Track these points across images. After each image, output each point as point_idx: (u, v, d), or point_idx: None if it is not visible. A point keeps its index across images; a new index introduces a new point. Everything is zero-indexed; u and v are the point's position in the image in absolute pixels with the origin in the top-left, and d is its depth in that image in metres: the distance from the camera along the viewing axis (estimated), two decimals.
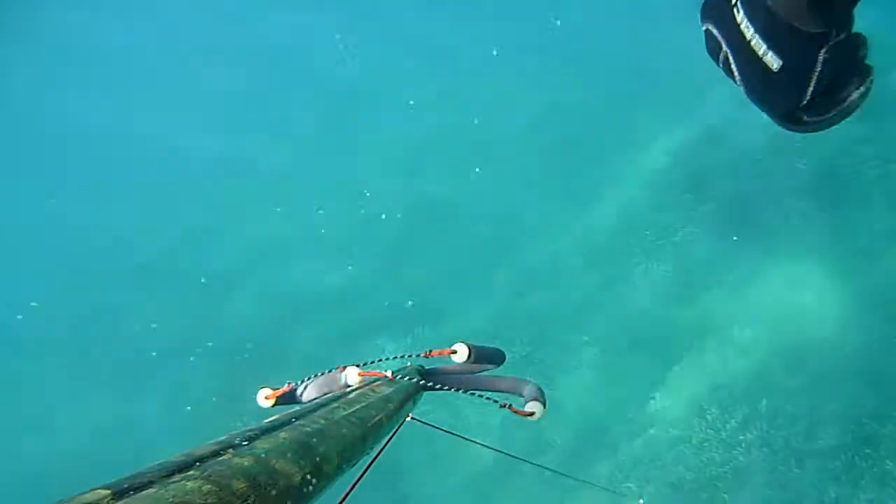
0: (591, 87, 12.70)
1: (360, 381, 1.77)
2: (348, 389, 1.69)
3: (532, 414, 1.90)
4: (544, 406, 1.92)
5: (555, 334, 9.78)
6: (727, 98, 10.39)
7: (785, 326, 8.42)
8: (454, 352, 1.93)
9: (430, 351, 1.95)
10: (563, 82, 13.12)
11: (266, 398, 1.87)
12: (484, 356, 1.99)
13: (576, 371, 9.34)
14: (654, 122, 11.41)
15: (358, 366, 1.80)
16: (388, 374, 1.78)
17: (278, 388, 1.88)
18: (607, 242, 10.51)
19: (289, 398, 1.90)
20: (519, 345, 9.57)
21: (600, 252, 10.44)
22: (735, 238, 9.45)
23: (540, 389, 1.99)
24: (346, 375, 1.80)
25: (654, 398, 8.67)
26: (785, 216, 9.17)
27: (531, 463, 2.03)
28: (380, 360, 1.85)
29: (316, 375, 1.89)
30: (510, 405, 1.92)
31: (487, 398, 1.94)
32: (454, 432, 1.87)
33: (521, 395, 1.98)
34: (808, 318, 8.32)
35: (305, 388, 1.88)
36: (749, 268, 9.12)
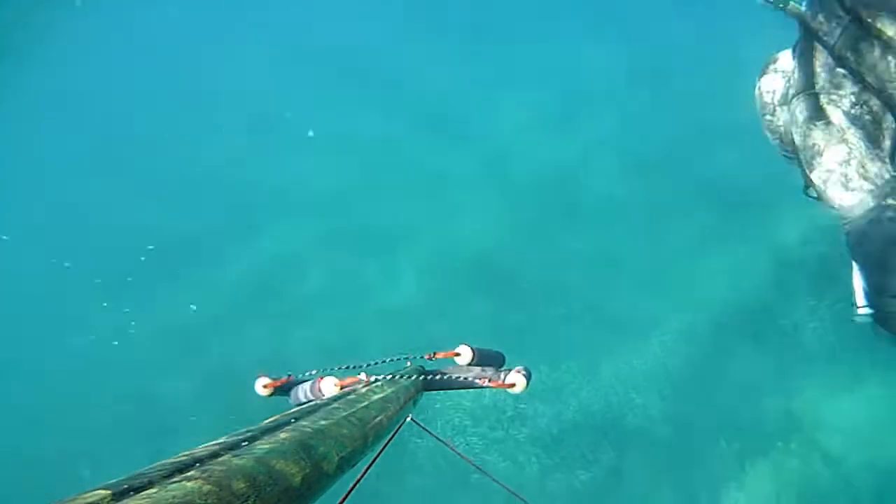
0: None
1: (339, 392, 1.77)
2: (347, 390, 1.70)
3: (513, 385, 1.92)
4: (527, 380, 1.95)
5: (636, 403, 8.91)
6: None
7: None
8: (458, 354, 1.96)
9: (435, 353, 1.98)
10: None
11: (264, 387, 1.89)
12: (485, 358, 2.02)
13: (650, 447, 8.47)
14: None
15: (335, 376, 1.82)
16: (363, 376, 1.78)
17: (277, 379, 1.90)
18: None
19: (286, 389, 1.91)
20: (599, 410, 8.86)
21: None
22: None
23: (526, 368, 2.02)
24: (324, 385, 1.81)
25: (728, 493, 7.85)
26: None
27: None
28: (383, 361, 1.85)
29: (310, 374, 1.90)
30: (489, 379, 1.96)
31: (479, 385, 1.96)
32: (447, 443, 1.89)
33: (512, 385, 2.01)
34: None
35: (299, 385, 1.89)
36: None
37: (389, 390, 1.66)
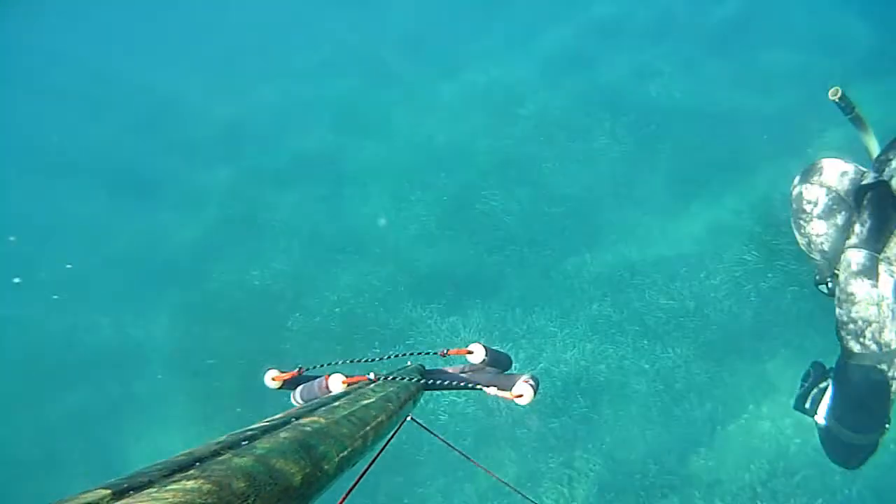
0: None
1: (342, 390, 1.77)
2: (348, 389, 1.69)
3: (520, 396, 1.93)
4: (534, 391, 1.95)
5: (612, 355, 8.72)
6: None
7: None
8: (470, 352, 1.97)
9: (447, 350, 1.99)
10: None
11: (273, 379, 1.88)
12: (495, 359, 2.03)
13: (623, 401, 8.33)
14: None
15: (342, 372, 1.81)
16: (371, 376, 1.78)
17: (287, 372, 1.89)
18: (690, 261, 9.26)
19: (295, 383, 1.90)
20: (573, 358, 8.72)
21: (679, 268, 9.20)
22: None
23: (534, 377, 2.02)
24: (331, 382, 1.80)
25: (698, 453, 7.74)
26: None
27: (512, 487, 2.05)
28: (396, 356, 1.85)
29: (321, 367, 1.90)
30: (497, 388, 1.96)
31: (479, 387, 1.96)
32: (448, 443, 1.88)
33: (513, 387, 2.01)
34: None
35: (306, 382, 1.88)
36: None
37: (390, 389, 1.66)
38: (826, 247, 4.13)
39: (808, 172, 4.35)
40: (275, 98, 14.37)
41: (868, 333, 3.84)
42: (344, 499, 1.17)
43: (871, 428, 4.03)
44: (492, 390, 1.97)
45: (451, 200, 10.96)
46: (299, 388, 1.89)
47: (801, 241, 4.44)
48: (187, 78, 15.13)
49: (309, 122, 13.45)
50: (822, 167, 4.26)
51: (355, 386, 1.71)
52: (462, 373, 2.02)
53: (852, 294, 3.91)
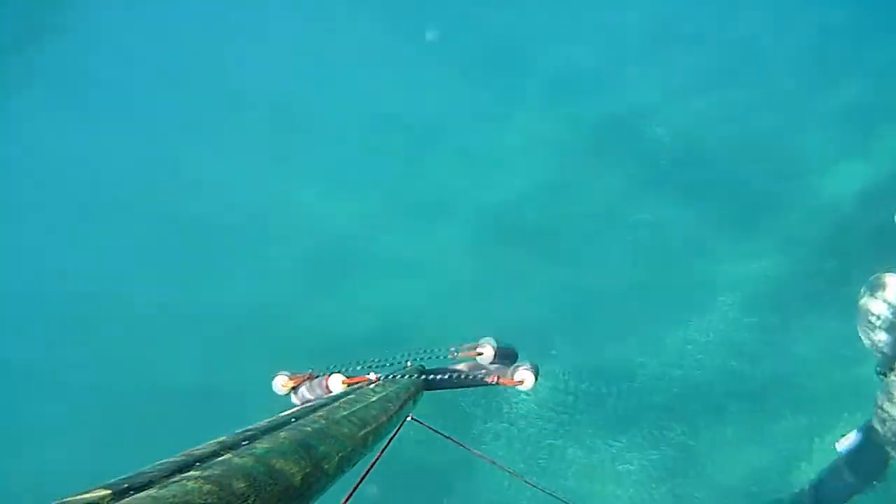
0: None
1: (341, 390, 1.77)
2: (348, 389, 1.70)
3: (521, 382, 1.93)
4: (535, 376, 1.95)
5: (701, 379, 8.56)
6: None
7: None
8: (480, 353, 1.97)
9: (459, 350, 2.00)
10: None
11: (283, 385, 1.84)
12: (503, 354, 2.03)
13: (718, 425, 8.20)
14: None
15: (342, 373, 1.81)
16: (372, 376, 1.78)
17: (297, 375, 1.86)
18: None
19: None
20: (665, 386, 8.55)
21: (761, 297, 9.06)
22: None
23: (533, 364, 2.02)
24: (331, 382, 1.80)
25: (799, 468, 7.53)
26: None
27: (527, 482, 2.02)
28: (389, 363, 1.85)
29: (319, 374, 1.90)
30: (498, 377, 1.96)
31: (480, 383, 1.96)
32: (452, 437, 1.88)
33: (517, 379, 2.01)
34: None
35: (316, 382, 1.88)
36: None
37: (390, 389, 1.66)
38: (887, 350, 5.08)
39: (874, 287, 5.18)
40: None
41: (889, 425, 4.96)
42: (347, 498, 1.17)
43: (863, 475, 5.25)
44: (493, 379, 1.97)
45: (528, 235, 10.62)
46: (301, 388, 1.89)
47: (867, 342, 5.33)
48: None
49: None
50: (886, 283, 5.10)
51: (356, 386, 1.71)
52: (461, 371, 2.02)
53: (892, 394, 4.99)
